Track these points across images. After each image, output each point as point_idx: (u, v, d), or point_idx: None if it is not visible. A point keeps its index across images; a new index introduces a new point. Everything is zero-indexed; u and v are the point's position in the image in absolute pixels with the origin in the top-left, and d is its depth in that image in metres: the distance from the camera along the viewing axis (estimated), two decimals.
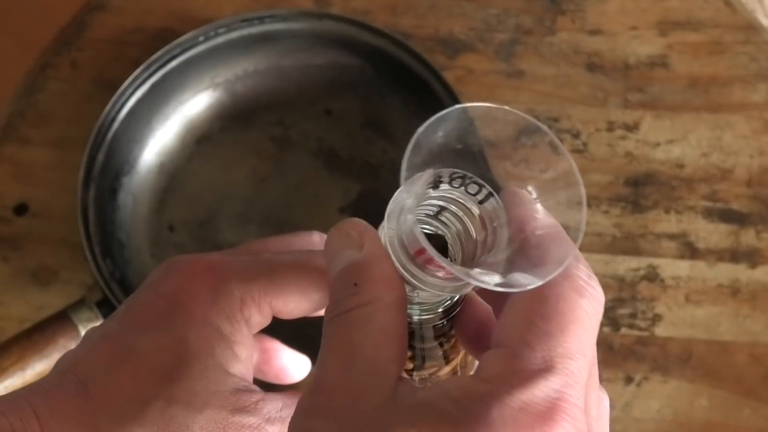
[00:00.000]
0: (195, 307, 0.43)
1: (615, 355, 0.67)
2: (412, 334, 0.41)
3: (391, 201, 0.38)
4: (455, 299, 0.39)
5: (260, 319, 0.45)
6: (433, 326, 0.40)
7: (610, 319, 0.68)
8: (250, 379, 0.45)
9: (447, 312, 0.40)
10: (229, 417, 0.43)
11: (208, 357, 0.43)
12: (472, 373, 0.45)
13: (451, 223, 0.38)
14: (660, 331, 0.68)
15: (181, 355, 0.43)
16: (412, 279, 0.37)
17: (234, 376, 0.43)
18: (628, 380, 0.67)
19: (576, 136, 0.74)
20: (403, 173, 0.34)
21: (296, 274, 0.45)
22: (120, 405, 0.42)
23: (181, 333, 0.43)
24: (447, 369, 0.43)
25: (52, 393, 0.43)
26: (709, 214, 0.71)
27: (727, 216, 0.71)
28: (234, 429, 0.43)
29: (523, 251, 0.36)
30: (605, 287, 0.69)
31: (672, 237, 0.70)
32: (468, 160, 0.37)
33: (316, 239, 0.49)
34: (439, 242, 0.40)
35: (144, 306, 0.45)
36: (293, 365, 0.52)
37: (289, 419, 0.42)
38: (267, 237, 0.49)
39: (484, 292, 0.40)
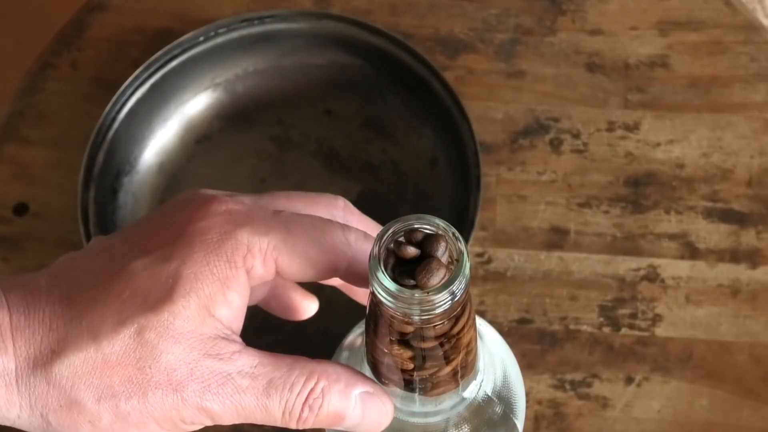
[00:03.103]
0: (198, 245, 0.43)
1: (615, 355, 0.67)
2: (413, 334, 0.41)
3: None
4: (455, 299, 0.39)
5: (263, 272, 0.45)
6: (434, 326, 0.40)
7: (610, 319, 0.68)
8: (237, 327, 0.44)
9: (448, 312, 0.40)
10: (201, 359, 0.42)
11: (193, 295, 0.43)
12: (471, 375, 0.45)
13: None
14: (660, 331, 0.68)
15: (168, 286, 0.42)
16: None
17: (217, 321, 0.43)
18: (629, 380, 0.67)
19: (576, 136, 0.74)
20: None
21: (309, 240, 0.45)
22: (94, 319, 0.42)
23: (176, 266, 0.43)
24: (448, 369, 0.43)
25: (34, 294, 0.43)
26: (710, 215, 0.71)
27: (728, 216, 0.71)
28: (201, 372, 0.42)
29: None
30: (605, 287, 0.69)
31: (672, 237, 0.70)
32: None
33: (341, 204, 0.49)
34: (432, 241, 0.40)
35: (151, 229, 0.45)
36: (300, 303, 0.52)
37: (261, 377, 0.43)
38: (292, 191, 0.49)
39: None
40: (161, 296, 0.42)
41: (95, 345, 0.42)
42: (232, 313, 0.44)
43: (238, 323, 0.44)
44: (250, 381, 0.43)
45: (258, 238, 0.44)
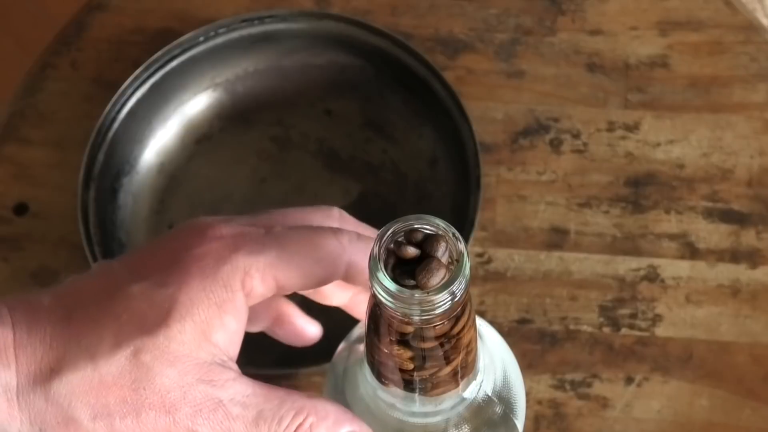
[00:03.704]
0: (194, 271, 0.44)
1: (615, 355, 0.67)
2: (413, 334, 0.41)
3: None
4: (455, 299, 0.39)
5: (263, 291, 0.45)
6: (434, 326, 0.40)
7: (610, 319, 0.68)
8: (234, 352, 0.45)
9: (448, 312, 0.40)
10: (194, 384, 0.43)
11: (189, 320, 0.43)
12: (471, 375, 0.45)
13: None
14: (660, 331, 0.68)
15: (165, 311, 0.43)
16: None
17: (213, 346, 0.44)
18: (629, 380, 0.67)
19: (576, 136, 0.73)
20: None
21: (304, 251, 0.46)
22: (92, 340, 0.43)
23: (172, 291, 0.44)
24: (448, 369, 0.43)
25: (38, 313, 0.44)
26: (710, 215, 0.71)
27: (728, 216, 0.71)
28: (194, 396, 0.43)
29: None
30: (605, 287, 0.69)
31: (672, 237, 0.70)
32: None
33: (336, 214, 0.50)
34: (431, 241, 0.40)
35: (149, 256, 0.46)
36: (305, 330, 0.54)
37: (252, 407, 0.44)
38: (288, 208, 0.50)
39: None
40: (157, 320, 0.43)
41: (92, 365, 0.43)
42: (229, 336, 0.45)
43: (235, 348, 0.45)
44: (240, 410, 0.44)
45: (254, 258, 0.45)
